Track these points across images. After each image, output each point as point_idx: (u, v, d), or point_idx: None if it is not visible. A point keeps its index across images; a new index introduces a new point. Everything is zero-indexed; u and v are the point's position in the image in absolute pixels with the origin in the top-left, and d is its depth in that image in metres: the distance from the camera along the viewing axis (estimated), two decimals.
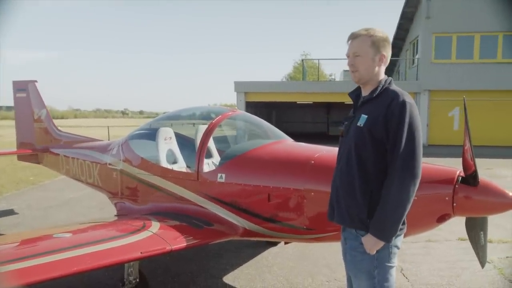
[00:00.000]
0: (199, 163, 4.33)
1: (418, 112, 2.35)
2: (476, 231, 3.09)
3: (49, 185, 10.68)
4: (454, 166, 3.19)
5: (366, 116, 2.34)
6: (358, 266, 2.41)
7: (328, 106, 31.84)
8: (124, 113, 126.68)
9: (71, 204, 8.52)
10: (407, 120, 2.22)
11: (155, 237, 3.53)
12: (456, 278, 4.64)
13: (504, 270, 4.87)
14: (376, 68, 2.40)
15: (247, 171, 4.04)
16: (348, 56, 2.46)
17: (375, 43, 2.37)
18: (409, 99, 2.30)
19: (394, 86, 2.41)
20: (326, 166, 3.65)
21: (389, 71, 29.86)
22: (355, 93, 2.58)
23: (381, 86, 2.39)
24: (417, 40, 22.86)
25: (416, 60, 22.81)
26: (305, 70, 26.75)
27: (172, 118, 5.78)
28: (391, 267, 2.38)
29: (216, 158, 5.25)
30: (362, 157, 2.34)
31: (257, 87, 22.90)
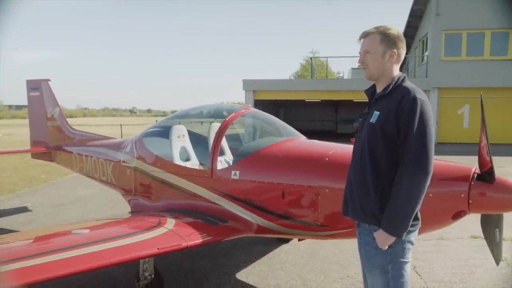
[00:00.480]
0: (213, 160, 4.36)
1: (431, 108, 2.35)
2: (491, 229, 3.08)
3: (61, 183, 10.79)
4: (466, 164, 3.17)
5: (378, 113, 2.36)
6: (372, 261, 2.42)
7: (336, 104, 31.75)
8: (132, 112, 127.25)
9: (83, 201, 8.62)
10: (417, 116, 2.23)
11: (171, 234, 3.57)
12: (469, 276, 4.63)
13: None
14: (387, 65, 2.43)
15: (261, 168, 4.06)
16: (360, 54, 2.50)
17: (385, 40, 2.40)
18: (420, 95, 2.31)
19: (407, 83, 2.42)
20: (340, 163, 3.66)
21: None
22: (371, 90, 2.60)
23: (393, 82, 2.41)
24: (427, 38, 22.72)
25: (425, 58, 22.66)
26: (313, 68, 26.70)
27: (186, 116, 5.82)
28: (405, 262, 2.39)
29: (228, 156, 5.28)
30: (374, 153, 2.36)
31: (266, 85, 22.92)
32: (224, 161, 5.08)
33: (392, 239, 2.30)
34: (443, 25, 20.86)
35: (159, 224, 3.74)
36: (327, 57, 27.03)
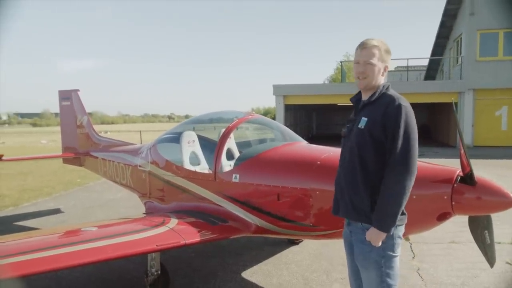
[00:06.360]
0: (216, 164, 4.61)
1: (414, 114, 2.53)
2: (480, 230, 3.15)
3: (93, 187, 11.43)
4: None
5: (366, 119, 2.56)
6: (367, 257, 2.58)
7: None
8: (170, 118, 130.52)
9: (111, 204, 9.13)
10: (402, 121, 2.43)
11: (171, 232, 3.84)
12: (472, 279, 4.62)
13: None
14: (381, 78, 2.64)
15: (259, 171, 4.28)
16: (357, 62, 2.64)
17: (384, 55, 2.61)
18: (404, 102, 2.51)
19: (391, 91, 2.63)
20: (331, 166, 3.80)
21: (433, 70, 28.90)
22: (356, 98, 2.80)
23: (379, 91, 2.61)
24: (461, 38, 22.08)
25: (460, 59, 22.02)
26: (344, 72, 26.48)
27: (195, 122, 6.12)
28: (396, 256, 2.57)
29: None
30: (364, 156, 2.55)
31: (296, 90, 22.94)
32: (233, 165, 5.32)
33: (383, 236, 2.47)
34: (478, 24, 20.21)
35: (162, 224, 4.02)
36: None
